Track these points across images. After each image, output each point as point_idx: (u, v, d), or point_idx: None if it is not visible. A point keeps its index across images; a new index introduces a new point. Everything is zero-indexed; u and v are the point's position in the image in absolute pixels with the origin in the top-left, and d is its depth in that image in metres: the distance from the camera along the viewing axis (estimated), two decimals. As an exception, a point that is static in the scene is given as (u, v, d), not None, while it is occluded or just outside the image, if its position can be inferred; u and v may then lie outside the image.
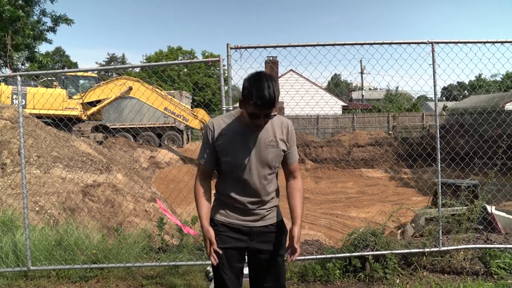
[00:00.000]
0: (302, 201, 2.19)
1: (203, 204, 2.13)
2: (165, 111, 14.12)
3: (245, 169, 2.08)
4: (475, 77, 37.12)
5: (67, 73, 15.17)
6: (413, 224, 8.92)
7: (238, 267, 2.18)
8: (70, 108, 14.28)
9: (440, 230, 3.76)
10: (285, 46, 3.71)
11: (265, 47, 3.69)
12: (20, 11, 15.95)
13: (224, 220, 2.15)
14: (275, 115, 2.00)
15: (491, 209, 8.08)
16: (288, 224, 2.23)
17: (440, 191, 3.82)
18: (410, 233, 8.72)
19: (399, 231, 9.40)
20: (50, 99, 12.75)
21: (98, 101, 14.58)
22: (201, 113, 14.75)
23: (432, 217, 8.24)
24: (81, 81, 16.27)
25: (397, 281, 3.60)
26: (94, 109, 14.51)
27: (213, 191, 2.23)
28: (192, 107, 21.90)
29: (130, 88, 13.76)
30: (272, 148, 2.10)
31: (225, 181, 2.16)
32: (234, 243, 2.13)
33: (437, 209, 9.19)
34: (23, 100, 13.41)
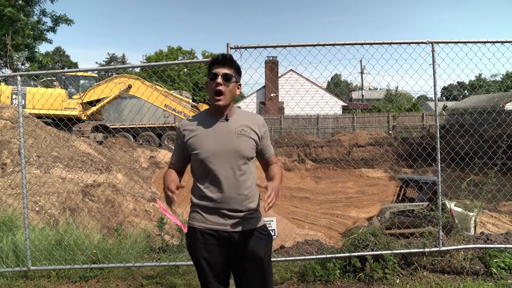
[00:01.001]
0: (281, 175, 2.19)
1: (168, 176, 2.13)
2: (166, 109, 13.98)
3: (216, 159, 2.03)
4: (475, 77, 37.07)
5: (67, 73, 15.16)
6: (379, 217, 9.21)
7: (222, 275, 2.10)
8: (69, 108, 14.25)
9: (440, 230, 3.76)
10: (285, 46, 3.72)
11: (265, 47, 3.70)
12: (21, 13, 15.96)
13: (202, 226, 2.06)
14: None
15: (450, 204, 8.33)
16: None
17: (440, 191, 3.82)
18: (376, 226, 8.88)
19: (365, 224, 9.81)
20: (50, 99, 12.75)
21: (98, 101, 14.56)
22: (205, 108, 14.61)
23: (397, 211, 8.72)
24: (82, 81, 16.26)
25: (397, 281, 3.60)
26: (93, 108, 14.48)
27: (190, 197, 2.16)
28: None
29: (129, 86, 13.67)
30: (243, 137, 2.09)
31: (199, 180, 2.10)
32: (215, 251, 2.05)
33: (402, 203, 9.59)
34: (23, 100, 13.40)
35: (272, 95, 27.03)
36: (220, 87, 2.03)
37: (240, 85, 2.18)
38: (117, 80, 13.85)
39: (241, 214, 2.06)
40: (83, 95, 14.27)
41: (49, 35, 21.43)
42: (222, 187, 2.03)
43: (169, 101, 13.77)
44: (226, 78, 2.05)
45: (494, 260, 3.71)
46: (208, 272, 2.04)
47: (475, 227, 8.17)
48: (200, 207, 2.08)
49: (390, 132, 24.52)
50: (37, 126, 8.27)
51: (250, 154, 2.10)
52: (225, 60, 2.08)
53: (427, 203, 8.18)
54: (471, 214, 8.02)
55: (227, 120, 2.10)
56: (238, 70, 2.13)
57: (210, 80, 2.08)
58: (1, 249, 4.05)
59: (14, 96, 13.75)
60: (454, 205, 8.47)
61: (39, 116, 9.22)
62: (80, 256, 4.09)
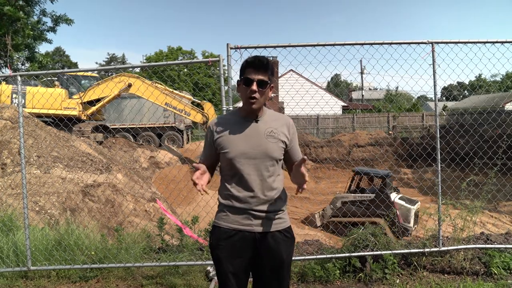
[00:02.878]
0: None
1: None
2: (166, 107, 13.86)
3: (244, 160, 2.03)
4: (475, 77, 37.09)
5: (67, 73, 15.16)
6: (332, 206, 10.12)
7: (242, 276, 2.08)
8: (69, 108, 14.22)
9: (440, 230, 3.76)
10: (285, 46, 3.72)
11: (265, 47, 3.70)
12: (21, 12, 15.94)
13: (227, 226, 2.05)
14: (271, 106, 2.03)
15: (394, 197, 9.42)
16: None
17: (440, 191, 3.82)
18: (329, 213, 10.11)
19: (318, 211, 10.79)
20: (50, 99, 12.74)
21: (98, 100, 14.53)
22: (207, 106, 14.46)
23: (347, 200, 9.76)
24: (82, 81, 16.27)
25: (397, 281, 3.60)
26: (93, 108, 14.46)
27: (217, 197, 2.16)
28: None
29: (129, 85, 13.58)
30: (272, 138, 2.08)
31: (226, 179, 2.10)
32: (238, 251, 2.03)
33: (352, 194, 10.60)
34: (23, 100, 13.39)
35: (272, 95, 27.01)
36: (255, 94, 2.01)
37: (272, 86, 2.12)
38: (117, 79, 13.77)
39: (268, 214, 2.05)
40: (83, 95, 14.25)
41: (49, 35, 21.41)
42: (250, 187, 2.03)
43: (170, 100, 13.66)
44: (261, 84, 2.02)
45: (494, 260, 3.71)
46: (228, 272, 2.03)
47: (415, 219, 9.12)
48: (226, 207, 2.08)
49: (390, 132, 24.52)
50: (37, 126, 8.26)
51: (278, 155, 2.09)
52: (261, 65, 2.02)
53: (374, 194, 9.24)
54: (412, 207, 9.16)
55: (256, 121, 2.11)
56: (272, 73, 2.08)
57: (243, 85, 2.04)
58: (1, 249, 4.05)
59: (14, 96, 13.75)
60: (399, 198, 9.47)
61: (38, 116, 9.23)
62: (80, 256, 4.09)
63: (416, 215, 9.40)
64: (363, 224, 9.70)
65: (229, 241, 2.04)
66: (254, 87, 2.00)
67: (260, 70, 2.02)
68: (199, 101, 15.17)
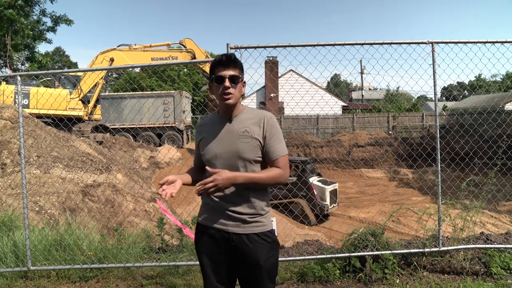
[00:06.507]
0: (268, 176, 1.99)
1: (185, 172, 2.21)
2: (154, 61, 14.02)
3: (217, 161, 2.01)
4: (475, 77, 37.13)
5: (67, 73, 15.23)
6: None
7: (224, 275, 2.06)
8: (74, 109, 14.38)
9: (440, 231, 3.76)
10: (285, 46, 3.72)
11: (265, 47, 3.70)
12: (21, 14, 16.02)
13: (205, 223, 2.09)
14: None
15: (313, 180, 10.94)
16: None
17: (440, 191, 3.82)
18: None
19: None
20: (53, 99, 12.79)
21: (92, 93, 14.83)
22: (188, 43, 14.49)
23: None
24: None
25: (397, 281, 3.60)
26: (90, 105, 14.65)
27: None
28: (192, 108, 21.87)
29: (112, 60, 13.87)
30: (245, 138, 2.01)
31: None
32: (216, 249, 2.05)
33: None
34: (26, 100, 13.52)
35: (272, 95, 27.02)
36: (229, 90, 1.99)
37: (245, 82, 2.12)
38: (98, 60, 14.07)
39: (243, 216, 2.01)
40: (80, 92, 14.45)
41: (49, 35, 21.45)
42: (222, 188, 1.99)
43: (152, 53, 13.94)
44: (233, 80, 2.01)
45: (494, 260, 3.71)
46: (208, 268, 2.07)
47: (333, 198, 11.02)
48: (205, 205, 2.13)
49: (390, 132, 24.53)
50: (37, 126, 8.26)
51: (251, 155, 2.00)
52: (230, 61, 2.02)
53: (296, 178, 10.66)
54: (327, 187, 10.75)
55: (230, 121, 2.07)
56: (242, 69, 2.08)
57: (216, 84, 2.02)
58: (1, 249, 4.05)
59: (16, 96, 13.82)
60: (317, 181, 11.00)
61: (40, 116, 9.24)
62: (80, 256, 4.09)
63: (333, 195, 11.05)
64: (288, 204, 10.75)
65: (208, 237, 2.08)
66: (227, 83, 1.99)
67: (230, 66, 2.01)
68: (178, 42, 15.14)
